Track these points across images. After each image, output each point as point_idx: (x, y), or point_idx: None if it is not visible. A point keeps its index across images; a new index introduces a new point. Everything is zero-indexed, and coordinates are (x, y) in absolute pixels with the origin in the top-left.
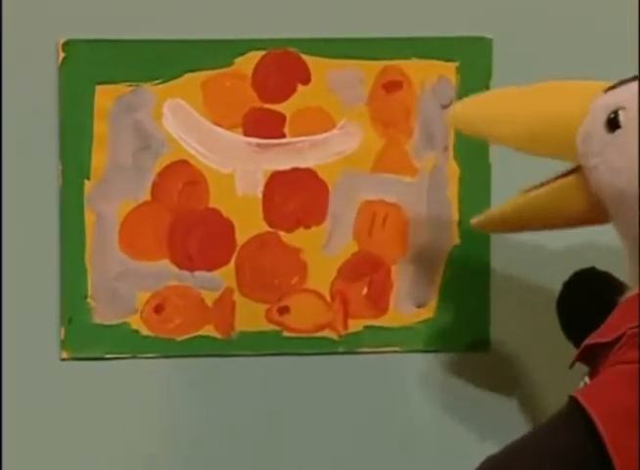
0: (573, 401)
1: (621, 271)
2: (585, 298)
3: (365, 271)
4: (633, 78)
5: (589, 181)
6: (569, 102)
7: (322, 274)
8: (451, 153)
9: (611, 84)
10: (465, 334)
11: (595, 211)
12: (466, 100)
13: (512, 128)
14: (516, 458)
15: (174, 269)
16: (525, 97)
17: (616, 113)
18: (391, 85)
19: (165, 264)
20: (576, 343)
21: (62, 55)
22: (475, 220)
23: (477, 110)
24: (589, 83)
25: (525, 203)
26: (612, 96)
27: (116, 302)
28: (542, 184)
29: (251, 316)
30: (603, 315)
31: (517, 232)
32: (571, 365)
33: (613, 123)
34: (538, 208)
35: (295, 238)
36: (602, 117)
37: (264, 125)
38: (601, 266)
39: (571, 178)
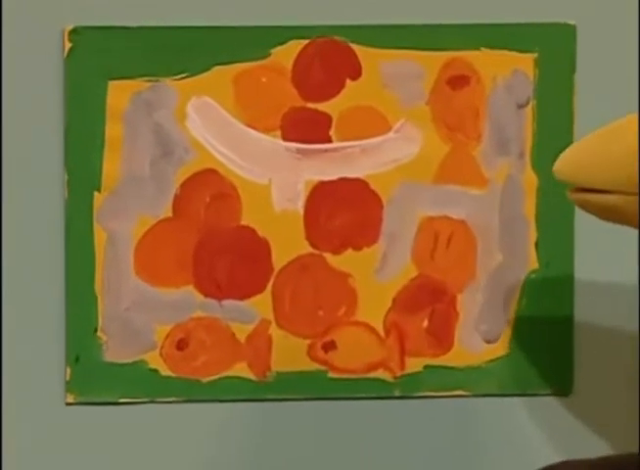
0: None
1: None
2: None
3: (426, 301)
4: None
5: None
6: None
7: (374, 304)
8: (528, 160)
9: None
10: (543, 375)
11: None
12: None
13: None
14: None
15: (200, 298)
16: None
17: None
18: (457, 80)
19: (189, 292)
20: None
21: (68, 45)
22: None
23: (581, 154)
24: None
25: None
26: None
27: (131, 336)
28: None
29: (290, 354)
30: None
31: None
32: None
33: None
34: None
35: (342, 261)
36: None
37: (307, 128)
38: None
39: None
